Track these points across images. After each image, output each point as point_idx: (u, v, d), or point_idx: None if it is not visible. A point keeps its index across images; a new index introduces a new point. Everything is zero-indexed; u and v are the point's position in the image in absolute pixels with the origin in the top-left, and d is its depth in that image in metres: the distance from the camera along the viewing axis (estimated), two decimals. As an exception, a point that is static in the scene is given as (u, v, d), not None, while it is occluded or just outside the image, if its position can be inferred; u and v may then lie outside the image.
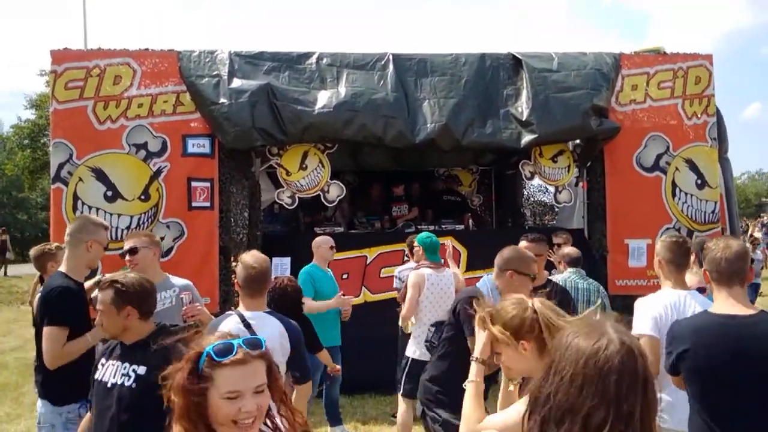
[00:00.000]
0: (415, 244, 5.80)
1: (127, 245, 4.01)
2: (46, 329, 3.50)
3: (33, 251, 5.09)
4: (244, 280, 3.44)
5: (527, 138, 7.17)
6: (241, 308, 3.49)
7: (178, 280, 4.14)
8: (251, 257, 3.52)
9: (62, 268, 3.73)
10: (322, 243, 5.91)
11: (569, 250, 5.51)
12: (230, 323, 3.29)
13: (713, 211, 7.82)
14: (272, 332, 3.25)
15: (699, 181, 7.81)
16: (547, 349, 1.63)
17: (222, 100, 6.84)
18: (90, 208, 6.80)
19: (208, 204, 6.95)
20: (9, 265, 22.23)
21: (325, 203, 7.54)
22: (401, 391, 5.28)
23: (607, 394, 1.23)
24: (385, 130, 6.96)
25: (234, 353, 1.70)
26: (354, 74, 7.19)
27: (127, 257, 3.96)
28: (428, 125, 7.04)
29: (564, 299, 4.15)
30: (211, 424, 1.70)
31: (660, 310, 3.43)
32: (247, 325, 3.29)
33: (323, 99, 6.98)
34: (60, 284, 3.59)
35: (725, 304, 2.83)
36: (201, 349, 1.73)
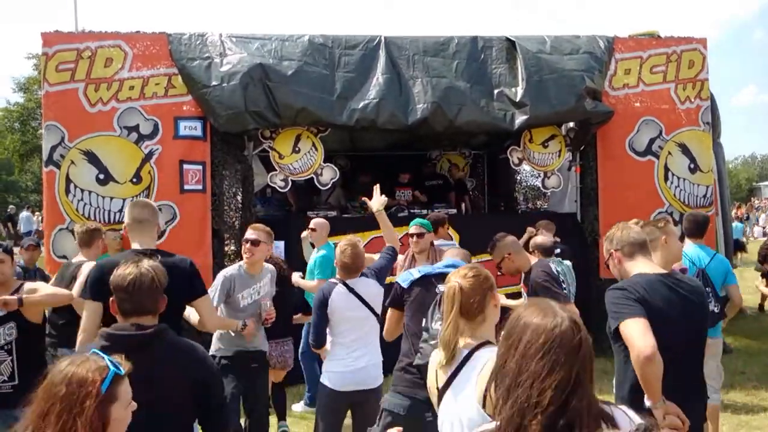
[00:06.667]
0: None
1: (251, 235, 4.38)
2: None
3: (85, 226, 5.22)
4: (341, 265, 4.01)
5: (521, 119, 7.16)
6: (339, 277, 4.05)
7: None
8: (343, 242, 4.03)
9: (150, 246, 3.46)
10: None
11: (541, 239, 5.89)
12: (338, 289, 3.94)
13: (705, 195, 7.84)
14: (370, 290, 3.98)
15: (692, 165, 7.83)
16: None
17: (213, 82, 6.79)
18: (82, 191, 6.77)
19: (200, 187, 6.93)
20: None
21: (319, 186, 7.53)
22: None
23: (558, 361, 1.49)
24: (377, 112, 6.93)
25: (121, 365, 1.79)
26: (346, 56, 7.16)
27: (249, 245, 4.34)
28: (420, 105, 7.01)
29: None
30: None
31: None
32: (350, 289, 3.92)
33: (316, 81, 6.94)
34: None
35: None
36: (98, 376, 1.71)
